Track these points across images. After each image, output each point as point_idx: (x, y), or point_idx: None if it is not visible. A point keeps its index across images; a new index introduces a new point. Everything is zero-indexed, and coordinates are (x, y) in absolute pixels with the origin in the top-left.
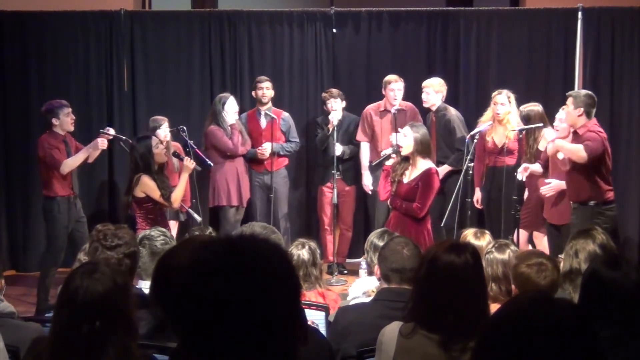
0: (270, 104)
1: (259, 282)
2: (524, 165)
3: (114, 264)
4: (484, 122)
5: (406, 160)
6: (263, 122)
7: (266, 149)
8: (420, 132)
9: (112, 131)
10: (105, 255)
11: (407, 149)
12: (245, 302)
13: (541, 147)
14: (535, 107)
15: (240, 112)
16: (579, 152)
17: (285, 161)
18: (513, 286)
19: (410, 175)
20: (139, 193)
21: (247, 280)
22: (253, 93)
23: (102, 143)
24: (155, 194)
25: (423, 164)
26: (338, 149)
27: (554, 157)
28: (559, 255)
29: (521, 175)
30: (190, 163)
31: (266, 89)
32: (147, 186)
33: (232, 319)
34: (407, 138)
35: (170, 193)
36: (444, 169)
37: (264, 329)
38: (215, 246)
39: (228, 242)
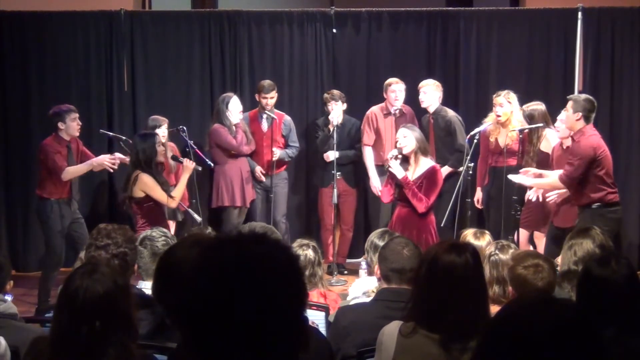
0: (271, 107)
1: (264, 287)
2: (535, 189)
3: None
4: (486, 123)
5: (405, 161)
6: (265, 125)
7: (275, 153)
8: (418, 131)
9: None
10: (96, 253)
11: (409, 148)
12: (249, 306)
13: (543, 147)
14: (539, 106)
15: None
16: (558, 185)
17: (285, 165)
18: (510, 287)
19: (412, 175)
20: (138, 193)
21: (253, 284)
22: (256, 96)
23: (109, 163)
24: (155, 191)
25: (425, 162)
26: (332, 155)
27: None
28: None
29: (534, 195)
30: (190, 163)
31: (270, 99)
32: (146, 185)
33: (233, 321)
34: (407, 138)
35: (169, 191)
36: (445, 170)
37: (266, 333)
38: (224, 247)
39: (237, 244)
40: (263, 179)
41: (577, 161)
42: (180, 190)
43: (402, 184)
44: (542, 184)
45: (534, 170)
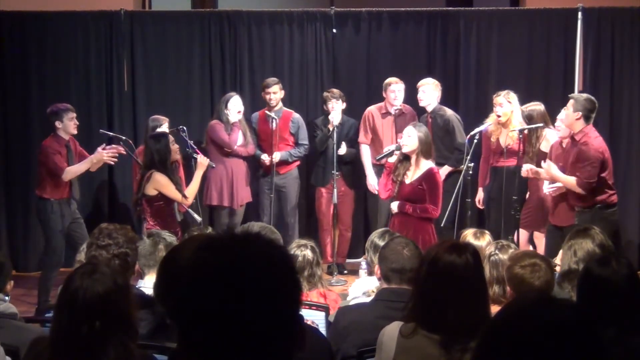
0: (280, 105)
1: (259, 286)
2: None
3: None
4: (487, 123)
5: (407, 160)
6: (273, 124)
7: (275, 156)
8: (424, 132)
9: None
10: (97, 253)
11: (411, 147)
12: (244, 306)
13: (543, 147)
14: (537, 106)
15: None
16: (574, 187)
17: (297, 162)
18: (508, 287)
19: (412, 175)
20: (150, 191)
21: (247, 283)
22: (262, 94)
23: (108, 157)
24: (169, 189)
25: (425, 164)
26: (342, 149)
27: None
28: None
29: (547, 189)
30: (204, 160)
31: (273, 94)
32: (160, 183)
33: (230, 322)
34: (411, 137)
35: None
36: (444, 170)
37: (262, 333)
38: (217, 247)
39: (230, 243)
40: (267, 162)
41: (590, 166)
42: (194, 187)
43: (404, 212)
44: (558, 177)
45: (532, 166)
